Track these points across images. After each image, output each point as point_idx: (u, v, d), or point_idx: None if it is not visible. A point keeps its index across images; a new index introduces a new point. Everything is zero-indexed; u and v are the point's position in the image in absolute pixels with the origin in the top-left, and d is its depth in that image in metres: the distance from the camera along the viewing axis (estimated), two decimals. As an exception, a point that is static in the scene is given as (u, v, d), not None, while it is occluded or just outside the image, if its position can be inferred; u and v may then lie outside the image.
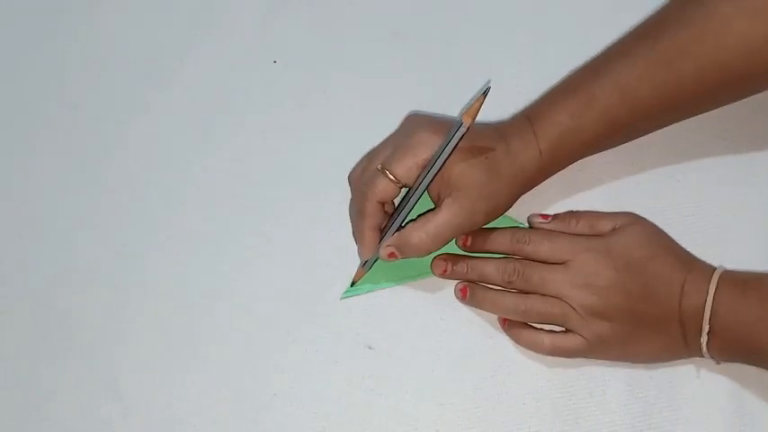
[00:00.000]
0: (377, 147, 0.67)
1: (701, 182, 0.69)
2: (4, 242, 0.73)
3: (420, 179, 0.61)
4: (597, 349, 0.62)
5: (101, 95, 0.76)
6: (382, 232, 0.64)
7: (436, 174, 0.61)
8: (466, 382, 0.66)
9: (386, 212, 0.65)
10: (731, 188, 0.69)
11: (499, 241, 0.65)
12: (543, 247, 0.63)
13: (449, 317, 0.67)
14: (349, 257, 0.69)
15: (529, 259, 0.64)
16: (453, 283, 0.67)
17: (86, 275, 0.71)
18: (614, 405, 0.64)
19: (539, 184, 0.65)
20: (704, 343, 0.60)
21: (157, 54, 0.77)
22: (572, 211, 0.67)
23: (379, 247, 0.64)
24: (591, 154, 0.65)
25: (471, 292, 0.66)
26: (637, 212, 0.67)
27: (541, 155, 0.62)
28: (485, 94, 0.59)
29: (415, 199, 0.62)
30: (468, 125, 0.59)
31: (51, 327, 0.70)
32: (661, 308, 0.60)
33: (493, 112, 0.68)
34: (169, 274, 0.71)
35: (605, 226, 0.64)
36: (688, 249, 0.65)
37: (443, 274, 0.66)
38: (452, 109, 0.72)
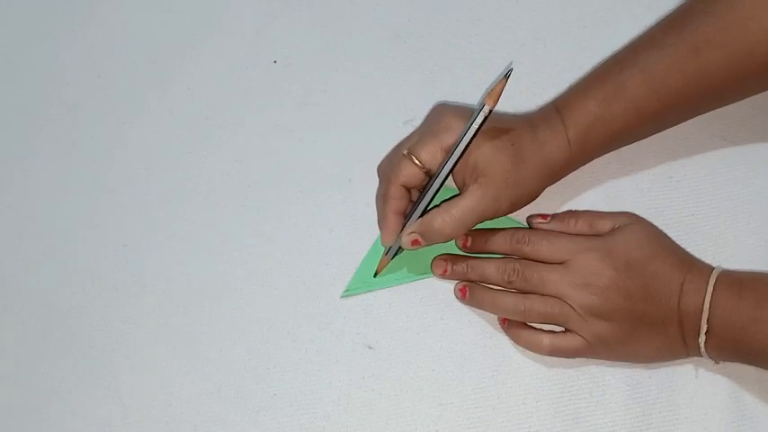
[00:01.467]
0: (407, 136, 0.67)
1: (699, 182, 0.69)
2: (4, 242, 0.73)
3: (443, 163, 0.61)
4: (596, 349, 0.62)
5: (101, 95, 0.76)
6: (405, 219, 0.64)
7: (459, 158, 0.60)
8: (466, 382, 0.66)
9: (411, 200, 0.64)
10: (730, 188, 0.69)
11: (499, 242, 0.65)
12: (542, 247, 0.63)
13: (449, 317, 0.67)
14: (349, 257, 0.69)
15: (528, 259, 0.64)
16: (453, 283, 0.67)
17: (86, 275, 0.71)
18: (614, 405, 0.64)
19: (566, 174, 0.65)
20: (702, 343, 0.60)
21: (157, 54, 0.77)
22: (571, 211, 0.67)
23: (401, 234, 0.64)
24: (619, 146, 0.65)
25: (471, 291, 0.66)
26: (636, 212, 0.66)
27: (570, 144, 0.62)
28: (507, 76, 0.59)
29: (439, 182, 0.62)
30: (490, 108, 0.59)
31: (51, 327, 0.70)
32: (660, 308, 0.60)
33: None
34: (169, 274, 0.71)
35: (604, 225, 0.64)
36: (687, 249, 0.65)
37: (443, 275, 0.66)
38: (452, 109, 0.72)
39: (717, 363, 0.62)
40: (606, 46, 0.68)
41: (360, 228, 0.70)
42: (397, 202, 0.63)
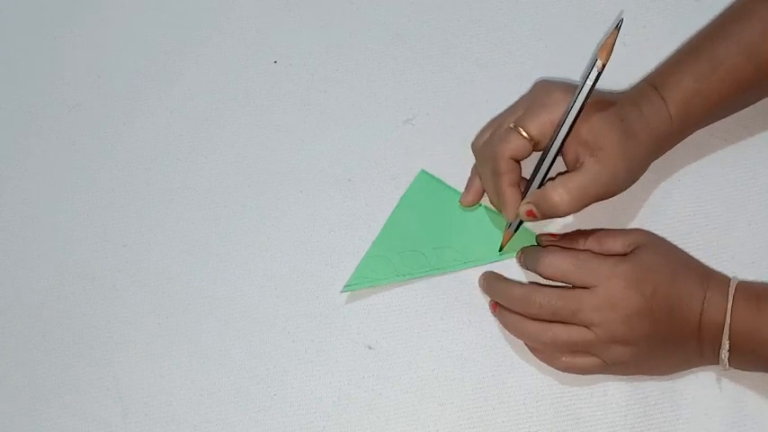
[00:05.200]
0: (503, 113, 0.66)
1: (700, 183, 0.69)
2: (4, 242, 0.73)
3: (557, 131, 0.60)
4: (612, 369, 0.62)
5: (101, 95, 0.76)
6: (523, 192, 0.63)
7: (575, 120, 0.59)
8: (466, 382, 0.66)
9: (521, 172, 0.64)
10: (731, 189, 0.68)
11: (523, 260, 0.65)
12: (567, 270, 0.61)
13: (449, 317, 0.67)
14: (349, 257, 0.69)
15: (554, 279, 0.62)
16: (453, 283, 0.68)
17: (86, 275, 0.71)
18: (614, 405, 0.64)
19: (668, 149, 0.65)
20: (725, 358, 0.59)
21: (157, 54, 0.77)
22: (580, 231, 0.66)
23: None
24: (717, 118, 0.66)
25: (500, 311, 0.65)
26: (636, 213, 0.67)
27: (672, 119, 0.62)
28: (618, 27, 0.58)
29: (554, 151, 0.61)
30: (603, 62, 0.57)
31: (51, 327, 0.70)
32: (683, 328, 0.60)
33: (497, 114, 0.68)
34: (169, 274, 0.71)
35: (614, 244, 0.63)
36: (688, 251, 0.65)
37: (483, 290, 0.67)
38: (454, 110, 0.72)
39: (726, 369, 0.61)
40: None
41: (360, 228, 0.70)
42: (510, 175, 0.62)
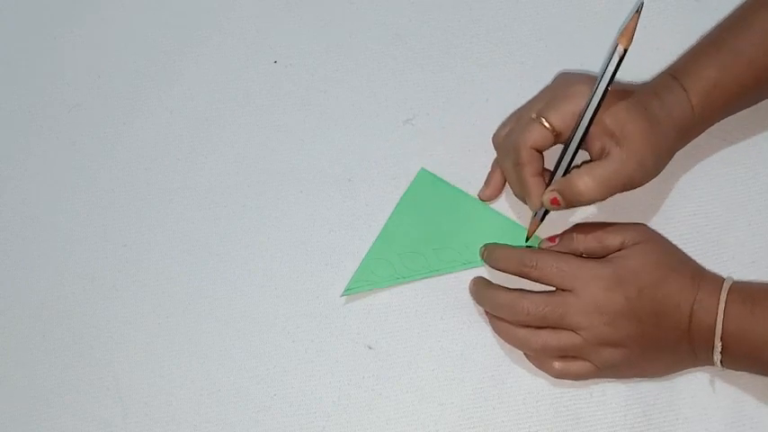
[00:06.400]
0: (524, 105, 0.66)
1: (700, 183, 0.69)
2: (4, 242, 0.73)
3: (579, 120, 0.60)
4: (605, 373, 0.62)
5: (101, 95, 0.76)
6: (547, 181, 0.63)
7: (596, 110, 0.59)
8: (466, 382, 0.66)
9: (543, 163, 0.63)
10: (730, 189, 0.69)
11: (507, 262, 0.64)
12: (551, 274, 0.61)
13: (449, 317, 0.67)
14: (349, 257, 0.69)
15: (539, 281, 0.62)
16: (453, 283, 0.67)
17: (86, 275, 0.71)
18: (614, 405, 0.64)
19: (691, 140, 0.65)
20: (717, 360, 0.59)
21: (157, 54, 0.77)
22: (579, 226, 0.65)
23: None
24: (738, 110, 0.65)
25: (490, 317, 0.65)
26: (636, 213, 0.67)
27: (693, 109, 0.62)
28: (638, 11, 0.57)
29: (578, 140, 0.60)
30: (624, 48, 0.57)
31: (51, 327, 0.70)
32: (671, 331, 0.60)
33: (497, 114, 0.68)
34: (169, 274, 0.71)
35: (614, 240, 0.63)
36: (687, 251, 0.65)
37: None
38: (454, 110, 0.72)
39: (722, 369, 0.61)
40: (606, 46, 0.68)
41: (360, 228, 0.70)
42: (533, 165, 0.62)
